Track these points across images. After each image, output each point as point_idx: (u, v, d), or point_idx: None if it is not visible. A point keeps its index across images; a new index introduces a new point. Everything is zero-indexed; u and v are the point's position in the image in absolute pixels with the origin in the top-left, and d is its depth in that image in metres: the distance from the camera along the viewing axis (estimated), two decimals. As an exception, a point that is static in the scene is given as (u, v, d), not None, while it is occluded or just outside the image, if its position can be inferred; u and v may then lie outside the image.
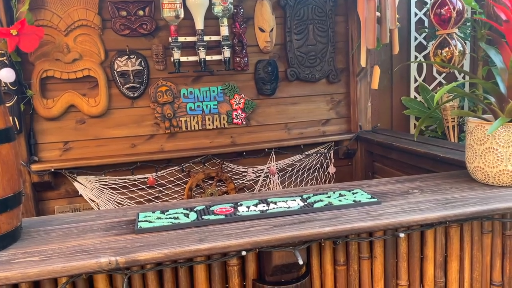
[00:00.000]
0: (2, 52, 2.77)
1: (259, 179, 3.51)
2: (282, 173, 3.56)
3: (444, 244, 1.78)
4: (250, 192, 3.45)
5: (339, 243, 1.59)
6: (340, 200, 1.64)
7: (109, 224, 1.54)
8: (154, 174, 3.27)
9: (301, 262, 1.38)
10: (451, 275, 1.80)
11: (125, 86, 3.15)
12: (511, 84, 1.69)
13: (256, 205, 1.62)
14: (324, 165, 3.67)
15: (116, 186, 3.22)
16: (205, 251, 1.31)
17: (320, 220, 1.47)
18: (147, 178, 3.26)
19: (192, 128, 3.33)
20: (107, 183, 3.20)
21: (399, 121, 4.06)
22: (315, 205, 1.59)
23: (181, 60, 3.08)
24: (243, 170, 3.47)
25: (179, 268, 1.51)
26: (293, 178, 3.58)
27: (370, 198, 1.64)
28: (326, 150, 3.65)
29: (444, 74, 3.90)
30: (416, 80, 3.96)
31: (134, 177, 3.24)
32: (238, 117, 3.40)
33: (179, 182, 3.35)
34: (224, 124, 3.39)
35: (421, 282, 1.78)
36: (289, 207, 1.58)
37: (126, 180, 3.24)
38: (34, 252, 1.31)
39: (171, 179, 3.33)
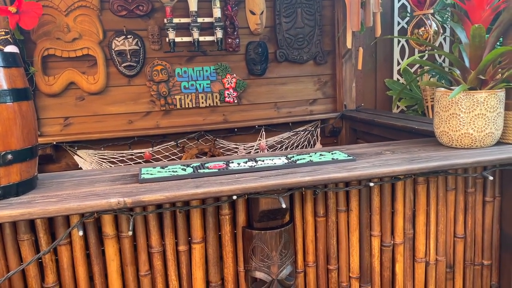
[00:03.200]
0: (6, 30, 2.93)
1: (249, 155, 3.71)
2: (271, 149, 3.76)
3: (413, 200, 2.00)
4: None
5: (318, 193, 1.80)
6: (320, 158, 1.85)
7: (115, 177, 1.74)
8: (150, 149, 3.45)
9: (284, 205, 1.59)
10: (419, 228, 2.02)
11: (122, 65, 3.32)
12: (473, 56, 1.91)
13: (245, 162, 1.83)
14: (311, 142, 3.88)
15: (114, 160, 3.40)
16: (201, 194, 1.51)
17: (302, 172, 1.67)
18: (144, 152, 3.45)
19: (186, 106, 3.51)
20: (105, 157, 3.38)
21: (383, 101, 4.28)
22: (298, 162, 1.79)
23: (175, 40, 3.25)
24: (235, 146, 3.67)
25: (177, 215, 1.71)
26: (282, 154, 3.78)
27: (347, 157, 1.85)
28: (313, 128, 3.86)
29: (425, 56, 4.12)
30: (399, 63, 4.18)
31: (131, 151, 3.43)
32: (230, 95, 3.59)
33: (174, 157, 3.54)
34: (216, 102, 3.58)
35: (392, 233, 2.00)
36: (275, 163, 1.78)
37: (123, 155, 3.42)
38: (51, 196, 1.50)
39: (166, 154, 3.52)
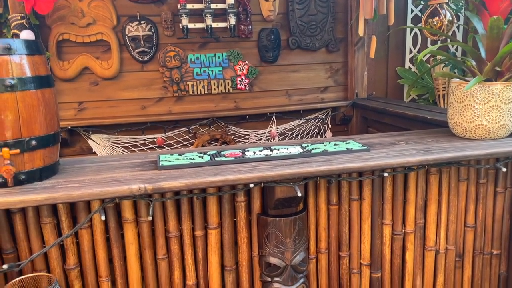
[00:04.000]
0: (22, 15, 2.95)
1: (260, 142, 3.74)
2: (282, 137, 3.79)
3: (425, 190, 2.03)
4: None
5: (333, 182, 1.84)
6: (334, 148, 1.87)
7: (134, 163, 1.77)
8: (163, 134, 3.49)
9: (299, 194, 1.62)
10: (430, 217, 2.05)
11: (136, 51, 3.34)
12: (489, 47, 1.91)
13: (261, 151, 1.86)
14: (322, 130, 3.90)
15: (127, 145, 3.45)
16: (219, 182, 1.55)
17: (317, 162, 1.70)
18: (156, 138, 3.49)
19: (199, 92, 3.54)
20: (119, 141, 3.43)
21: (394, 90, 4.28)
22: (313, 151, 1.82)
23: (189, 26, 3.26)
24: (246, 133, 3.70)
25: (194, 202, 1.75)
26: (292, 141, 3.81)
27: (361, 147, 1.88)
28: (324, 116, 3.87)
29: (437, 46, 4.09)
30: (411, 51, 4.16)
31: (144, 136, 3.47)
32: (241, 82, 3.61)
33: (186, 143, 3.58)
34: (228, 89, 3.59)
35: (403, 222, 2.03)
36: (290, 153, 1.81)
37: (136, 140, 3.47)
38: (74, 181, 1.54)
39: (179, 139, 3.56)
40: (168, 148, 3.55)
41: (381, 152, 1.83)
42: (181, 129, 3.54)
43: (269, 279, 1.83)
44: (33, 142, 1.48)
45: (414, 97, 4.22)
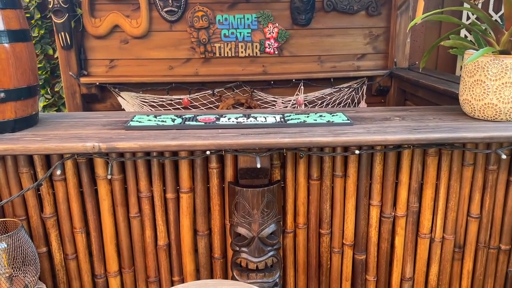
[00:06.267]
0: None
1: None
2: (311, 105, 3.63)
3: (421, 172, 1.84)
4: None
5: (303, 156, 1.72)
6: (315, 120, 1.74)
7: (109, 122, 1.80)
8: (188, 96, 3.51)
9: (259, 165, 1.54)
10: (425, 202, 1.87)
11: (164, 9, 3.34)
12: (509, 14, 1.62)
13: (237, 118, 1.78)
14: (356, 100, 3.67)
15: (154, 104, 3.52)
16: (174, 147, 1.52)
17: (285, 133, 1.60)
18: (183, 99, 3.52)
19: (226, 55, 3.48)
20: (146, 100, 3.51)
21: (446, 61, 3.89)
22: (289, 122, 1.71)
23: (216, -15, 3.17)
24: (273, 99, 3.60)
25: (166, 164, 1.75)
26: (322, 110, 3.64)
27: (345, 120, 1.73)
28: (358, 86, 3.64)
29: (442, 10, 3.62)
30: (468, 18, 3.71)
31: (171, 97, 3.51)
32: (270, 46, 3.48)
33: (211, 106, 3.58)
34: (256, 52, 3.49)
35: (394, 205, 1.87)
36: (264, 122, 1.72)
37: (163, 99, 3.52)
38: (40, 135, 1.60)
39: (204, 102, 3.56)
40: (194, 110, 3.56)
41: (363, 127, 1.67)
42: (207, 92, 3.53)
43: (237, 248, 1.80)
44: (2, 95, 1.54)
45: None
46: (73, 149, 1.49)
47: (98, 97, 3.47)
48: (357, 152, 1.65)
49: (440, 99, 2.69)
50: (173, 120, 1.74)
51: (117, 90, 3.45)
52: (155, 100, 3.52)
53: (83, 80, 3.36)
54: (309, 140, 1.54)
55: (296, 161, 1.80)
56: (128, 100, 3.51)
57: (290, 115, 1.82)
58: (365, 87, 3.63)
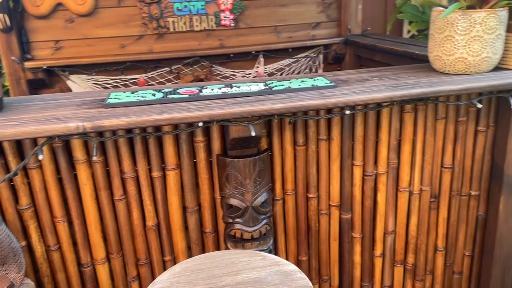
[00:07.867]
0: None
1: (247, 82, 3.59)
2: (271, 77, 3.62)
3: (399, 129, 1.91)
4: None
5: (293, 121, 1.73)
6: (299, 85, 1.74)
7: (83, 102, 1.68)
8: (144, 75, 3.37)
9: (253, 133, 1.52)
10: (404, 157, 1.95)
11: (111, -16, 3.14)
12: (475, -29, 1.70)
13: (220, 88, 1.74)
14: (313, 70, 3.72)
15: (108, 86, 3.34)
16: (165, 120, 1.45)
17: (275, 99, 1.58)
18: (138, 78, 3.37)
19: (180, 29, 3.36)
20: (99, 82, 3.32)
21: (393, 26, 4.02)
22: (274, 88, 1.70)
23: (165, -44, 3.03)
24: (232, 73, 3.54)
25: (149, 142, 1.68)
26: (281, 81, 3.65)
27: (328, 83, 1.74)
28: (315, 55, 3.68)
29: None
30: (412, -17, 3.85)
31: (125, 77, 3.35)
32: (226, 18, 3.40)
33: (169, 84, 3.46)
34: (212, 25, 3.40)
35: (375, 163, 1.94)
36: (250, 90, 1.69)
37: (117, 80, 3.35)
38: (12, 119, 1.46)
39: (161, 80, 3.43)
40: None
41: (347, 89, 1.70)
42: (163, 69, 3.40)
43: (230, 220, 1.78)
44: (-37, 78, 1.39)
45: (414, 33, 3.97)
46: (55, 131, 1.38)
47: (45, 82, 3.23)
48: (347, 112, 1.68)
49: (400, 61, 2.78)
50: (154, 95, 1.66)
51: (66, 73, 3.23)
52: (108, 82, 3.34)
53: (27, 64, 3.11)
54: (300, 104, 1.54)
55: (282, 128, 1.80)
56: (79, 83, 3.30)
57: (272, 82, 1.80)
58: (321, 56, 3.68)
